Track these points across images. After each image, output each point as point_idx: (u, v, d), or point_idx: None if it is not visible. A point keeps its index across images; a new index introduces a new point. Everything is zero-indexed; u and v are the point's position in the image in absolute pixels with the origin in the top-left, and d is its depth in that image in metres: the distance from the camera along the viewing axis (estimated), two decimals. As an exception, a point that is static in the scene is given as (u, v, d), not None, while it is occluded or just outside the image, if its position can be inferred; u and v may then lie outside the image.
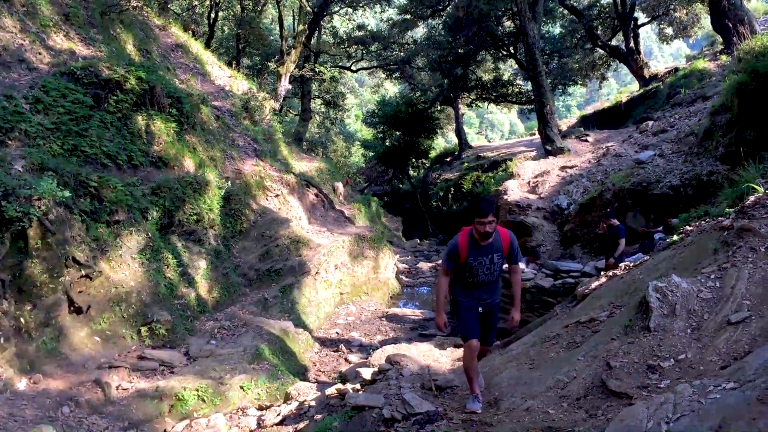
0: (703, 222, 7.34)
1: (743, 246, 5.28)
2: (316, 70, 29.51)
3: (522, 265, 12.11)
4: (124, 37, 14.27)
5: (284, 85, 24.40)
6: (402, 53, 33.30)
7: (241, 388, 7.92)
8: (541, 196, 16.34)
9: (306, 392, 7.65)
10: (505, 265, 5.40)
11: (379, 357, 7.48)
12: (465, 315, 5.19)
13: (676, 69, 25.03)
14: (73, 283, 7.65)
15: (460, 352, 8.19)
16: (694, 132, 14.26)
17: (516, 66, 32.44)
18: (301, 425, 6.37)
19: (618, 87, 59.71)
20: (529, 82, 24.55)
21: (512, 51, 30.05)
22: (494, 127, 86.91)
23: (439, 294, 5.30)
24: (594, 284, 8.04)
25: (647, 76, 26.22)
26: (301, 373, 9.52)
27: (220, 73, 18.68)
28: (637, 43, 27.32)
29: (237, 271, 11.65)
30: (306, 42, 27.06)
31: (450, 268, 5.21)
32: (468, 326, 5.16)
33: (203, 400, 7.44)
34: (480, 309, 5.19)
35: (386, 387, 5.83)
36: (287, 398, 7.72)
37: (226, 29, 30.57)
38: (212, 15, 26.74)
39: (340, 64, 34.56)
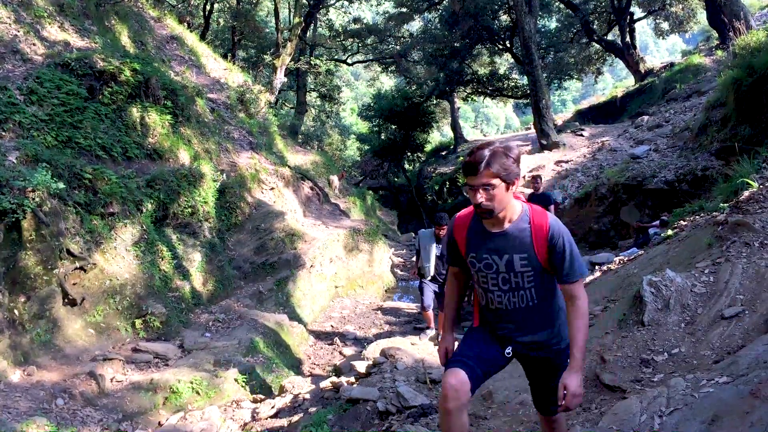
0: (697, 217, 7.38)
1: (737, 241, 5.30)
2: (312, 62, 29.41)
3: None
4: (119, 28, 14.18)
5: (280, 78, 24.33)
6: (398, 46, 33.24)
7: (236, 380, 7.91)
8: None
9: (300, 385, 7.66)
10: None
11: (373, 350, 7.48)
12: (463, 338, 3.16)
13: (672, 64, 25.09)
14: (67, 275, 7.62)
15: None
16: (689, 127, 14.30)
17: (512, 60, 32.44)
18: (295, 418, 6.38)
19: (614, 82, 59.82)
20: (525, 77, 24.55)
21: (508, 45, 30.06)
22: (490, 121, 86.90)
23: (446, 304, 3.30)
24: (588, 279, 8.06)
25: (643, 71, 26.27)
26: (296, 366, 9.52)
27: (216, 66, 18.59)
28: (632, 37, 27.35)
29: (232, 264, 11.63)
30: (302, 35, 26.98)
31: (454, 265, 3.21)
32: (458, 349, 3.08)
33: (198, 393, 7.43)
34: (508, 351, 3.04)
35: (381, 380, 5.84)
36: (282, 391, 7.73)
37: (221, 21, 30.43)
38: (207, 7, 26.61)
39: (336, 57, 34.48)
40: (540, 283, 2.92)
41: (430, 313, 8.84)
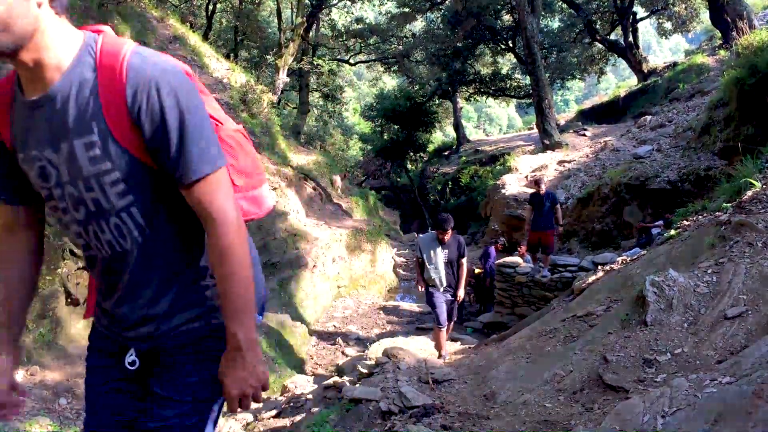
0: (700, 217, 7.35)
1: (740, 241, 5.29)
2: (315, 63, 29.39)
3: (517, 259, 12.00)
4: (122, 28, 14.21)
5: (282, 78, 24.32)
6: (400, 46, 33.22)
7: (239, 380, 7.91)
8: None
9: (303, 385, 7.67)
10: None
11: (376, 350, 7.49)
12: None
13: (675, 64, 25.03)
14: (70, 275, 7.63)
15: (457, 345, 8.20)
16: (692, 127, 14.27)
17: (514, 60, 32.44)
18: (297, 418, 6.38)
19: (616, 81, 59.64)
20: (528, 76, 24.54)
21: (511, 45, 30.07)
22: (492, 121, 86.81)
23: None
24: (591, 278, 8.04)
25: (646, 71, 26.20)
26: (298, 366, 9.53)
27: (218, 66, 18.62)
28: (635, 37, 27.30)
29: (234, 264, 11.65)
30: (304, 35, 26.96)
31: None
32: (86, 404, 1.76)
33: (200, 393, 7.43)
34: (130, 358, 1.62)
35: (383, 380, 5.84)
36: (284, 391, 7.73)
37: (224, 21, 30.45)
38: (210, 7, 26.63)
39: (339, 57, 34.46)
40: (146, 195, 1.45)
41: (444, 331, 7.60)
